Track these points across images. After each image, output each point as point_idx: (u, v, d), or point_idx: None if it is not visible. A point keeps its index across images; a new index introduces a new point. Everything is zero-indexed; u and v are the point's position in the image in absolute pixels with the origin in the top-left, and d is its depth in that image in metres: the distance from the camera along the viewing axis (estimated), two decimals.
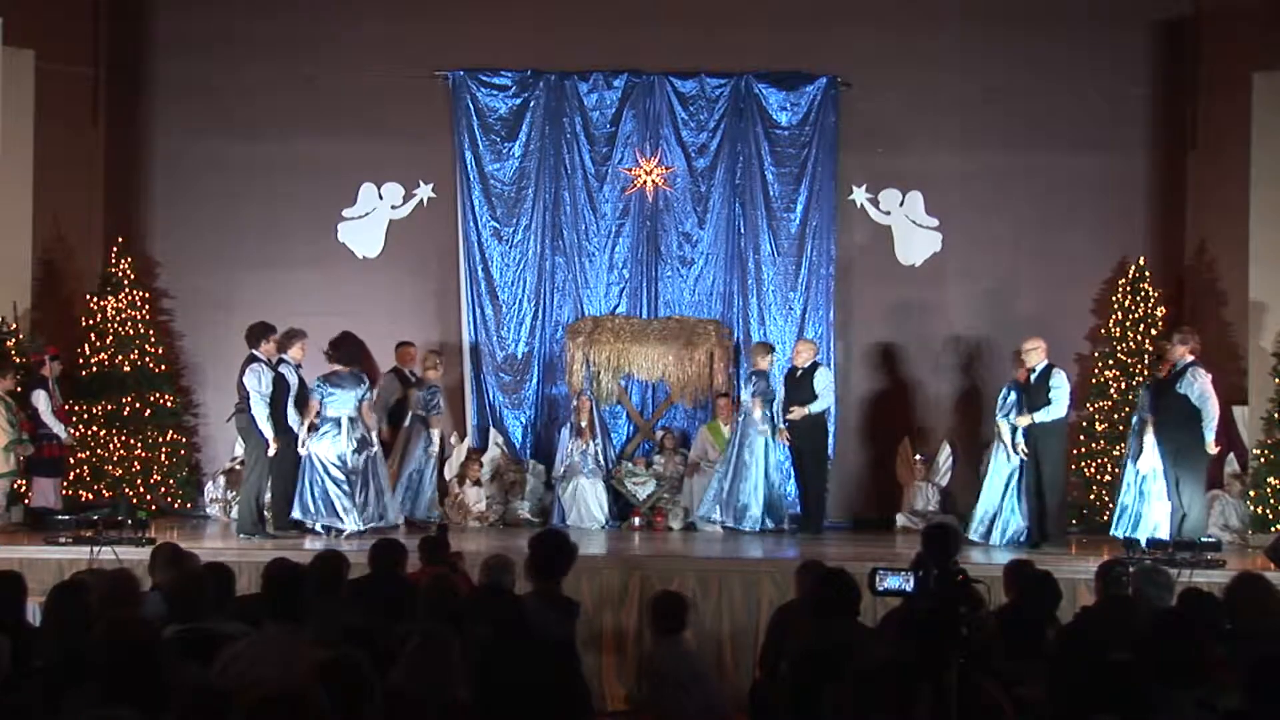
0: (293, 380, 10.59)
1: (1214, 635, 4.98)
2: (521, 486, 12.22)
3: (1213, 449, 9.98)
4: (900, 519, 12.12)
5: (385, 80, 12.65)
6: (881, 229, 12.86)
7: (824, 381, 11.36)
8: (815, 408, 11.28)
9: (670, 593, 6.76)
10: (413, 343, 12.17)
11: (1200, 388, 9.90)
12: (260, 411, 10.25)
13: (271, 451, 10.29)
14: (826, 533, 11.35)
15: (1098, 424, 11.90)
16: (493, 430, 12.54)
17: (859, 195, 12.83)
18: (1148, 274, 12.15)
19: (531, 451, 12.61)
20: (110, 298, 12.16)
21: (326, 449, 10.36)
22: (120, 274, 12.24)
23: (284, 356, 10.60)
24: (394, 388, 11.81)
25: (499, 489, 12.13)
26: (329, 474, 10.31)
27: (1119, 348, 11.94)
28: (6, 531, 10.38)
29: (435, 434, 11.88)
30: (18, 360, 11.11)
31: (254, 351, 10.44)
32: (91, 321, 12.11)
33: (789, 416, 11.30)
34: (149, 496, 11.89)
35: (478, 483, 12.03)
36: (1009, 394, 10.66)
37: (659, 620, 6.32)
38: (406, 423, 11.72)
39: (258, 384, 10.26)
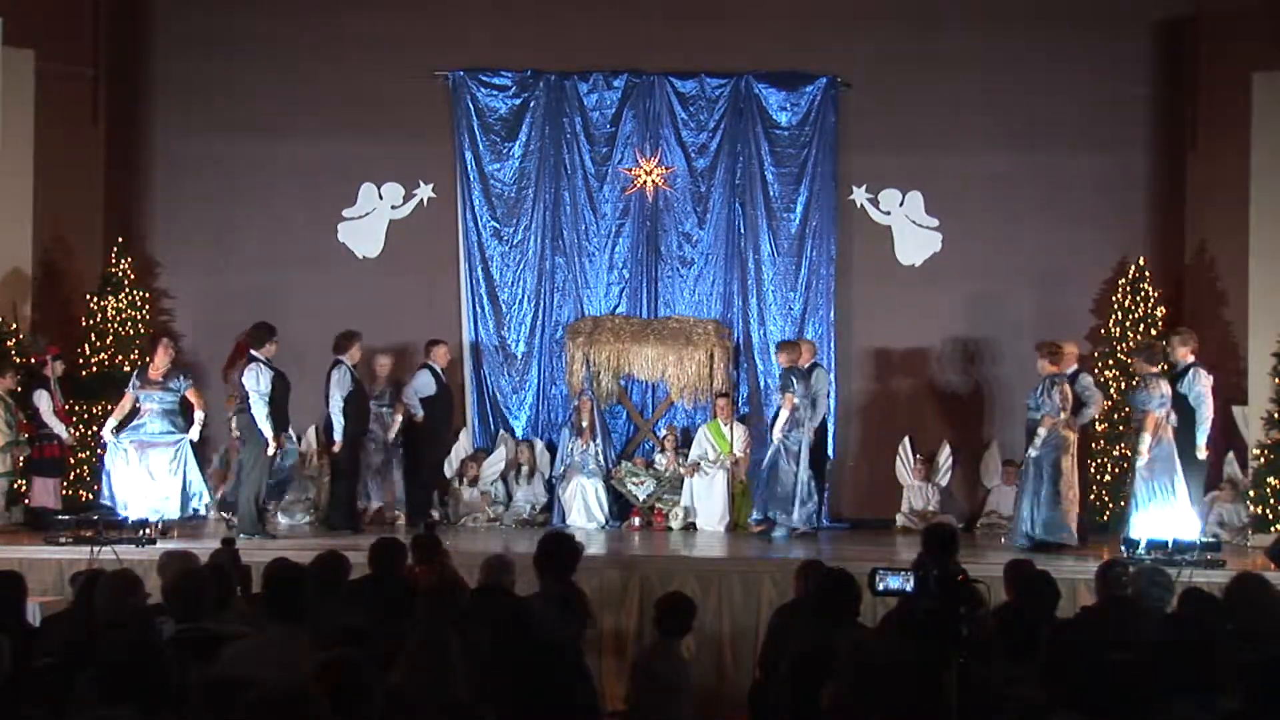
0: (346, 382, 10.84)
1: (1215, 636, 4.98)
2: (533, 469, 12.21)
3: (1203, 453, 9.94)
4: (900, 519, 12.13)
5: (385, 80, 12.64)
6: (881, 229, 12.86)
7: (818, 384, 11.33)
8: (814, 421, 11.25)
9: (679, 594, 6.68)
10: (445, 341, 12.11)
11: (1200, 390, 9.88)
12: (260, 411, 10.26)
13: (271, 450, 10.31)
14: (826, 533, 11.33)
15: (1098, 424, 11.87)
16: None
17: (859, 195, 12.82)
18: (1148, 274, 12.15)
19: None
20: (110, 298, 12.15)
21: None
22: (120, 274, 12.24)
23: (341, 358, 10.93)
24: (430, 385, 11.76)
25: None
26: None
27: (1119, 348, 11.93)
28: (6, 531, 10.39)
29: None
30: (18, 360, 11.11)
31: (254, 351, 10.46)
32: (91, 322, 12.11)
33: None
34: None
35: (475, 482, 12.05)
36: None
37: (663, 621, 6.30)
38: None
39: (256, 383, 10.29)
